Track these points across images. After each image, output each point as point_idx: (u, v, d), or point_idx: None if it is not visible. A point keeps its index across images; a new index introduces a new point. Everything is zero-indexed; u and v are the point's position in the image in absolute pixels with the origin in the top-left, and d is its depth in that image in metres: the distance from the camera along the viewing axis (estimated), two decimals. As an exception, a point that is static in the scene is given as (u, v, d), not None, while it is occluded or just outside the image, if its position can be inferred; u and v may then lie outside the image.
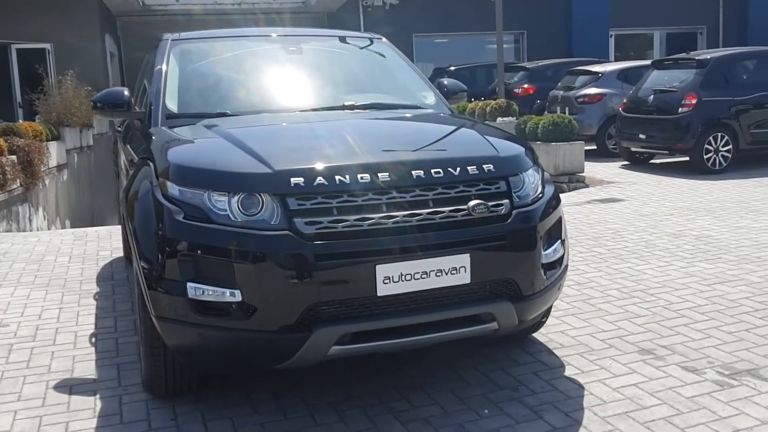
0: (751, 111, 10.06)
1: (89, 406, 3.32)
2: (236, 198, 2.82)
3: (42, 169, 10.30)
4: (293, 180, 2.82)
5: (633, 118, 10.86)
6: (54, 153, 11.70)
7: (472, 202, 2.95)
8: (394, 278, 2.79)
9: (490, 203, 2.99)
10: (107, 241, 6.85)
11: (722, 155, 10.02)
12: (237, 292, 2.76)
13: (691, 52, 11.60)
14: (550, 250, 3.23)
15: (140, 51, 8.84)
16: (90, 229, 7.50)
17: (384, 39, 4.86)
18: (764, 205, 7.60)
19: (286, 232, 2.75)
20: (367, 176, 2.87)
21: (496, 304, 3.01)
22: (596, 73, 13.25)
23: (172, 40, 4.35)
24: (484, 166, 3.06)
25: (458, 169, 3.00)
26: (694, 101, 9.99)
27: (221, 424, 3.11)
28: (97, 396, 3.43)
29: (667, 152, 10.67)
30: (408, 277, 2.81)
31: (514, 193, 3.10)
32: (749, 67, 10.59)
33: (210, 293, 2.80)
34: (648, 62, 12.72)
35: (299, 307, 2.75)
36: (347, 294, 2.78)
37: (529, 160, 3.32)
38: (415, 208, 2.89)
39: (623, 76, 13.01)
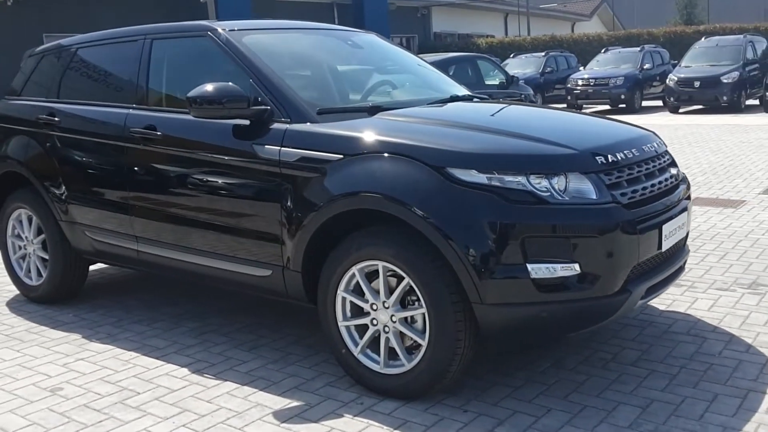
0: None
1: (361, 426, 3.06)
2: (556, 179, 3.01)
3: None
4: (598, 158, 3.12)
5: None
6: None
7: (673, 169, 3.59)
8: (667, 235, 3.31)
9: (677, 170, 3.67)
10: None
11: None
12: (575, 265, 2.96)
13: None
14: None
15: None
16: None
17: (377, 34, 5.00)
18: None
19: (613, 204, 3.05)
20: (629, 152, 3.30)
21: (687, 255, 3.72)
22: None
23: (230, 30, 3.91)
24: (658, 141, 3.71)
25: (651, 144, 3.60)
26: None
27: (506, 408, 3.20)
28: (348, 416, 3.16)
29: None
30: (671, 234, 3.35)
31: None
32: (458, 70, 12.54)
33: (551, 270, 2.94)
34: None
35: (627, 269, 3.08)
36: (649, 252, 3.21)
37: None
38: (655, 178, 3.41)
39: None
